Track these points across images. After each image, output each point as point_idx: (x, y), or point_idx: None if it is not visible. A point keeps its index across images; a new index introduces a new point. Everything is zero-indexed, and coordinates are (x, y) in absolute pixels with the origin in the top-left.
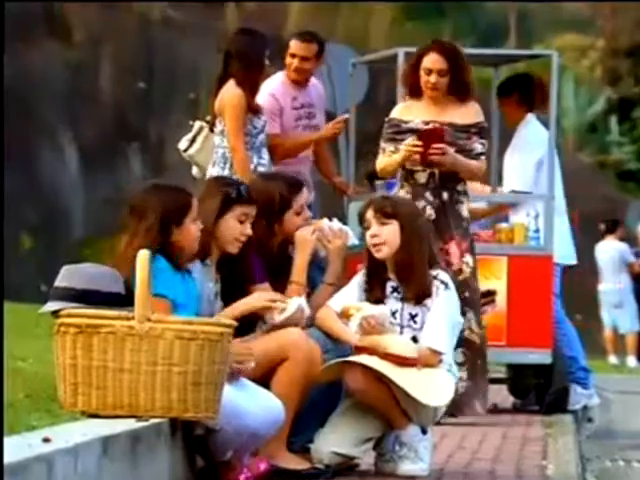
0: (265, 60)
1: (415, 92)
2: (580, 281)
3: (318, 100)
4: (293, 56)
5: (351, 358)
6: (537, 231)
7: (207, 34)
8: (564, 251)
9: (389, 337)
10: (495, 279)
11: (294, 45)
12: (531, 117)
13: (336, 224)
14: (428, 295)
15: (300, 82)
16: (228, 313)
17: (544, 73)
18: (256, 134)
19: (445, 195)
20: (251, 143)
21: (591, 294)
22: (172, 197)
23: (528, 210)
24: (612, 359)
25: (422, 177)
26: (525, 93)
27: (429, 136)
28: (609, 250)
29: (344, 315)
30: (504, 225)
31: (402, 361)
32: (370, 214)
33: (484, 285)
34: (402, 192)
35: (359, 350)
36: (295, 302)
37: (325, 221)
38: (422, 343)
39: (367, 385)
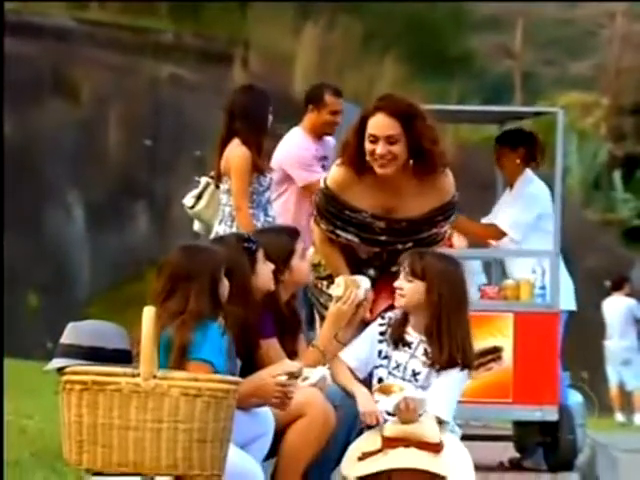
0: (268, 117)
1: (359, 166)
2: (585, 337)
3: (332, 152)
4: (335, 113)
5: (394, 464)
6: (543, 288)
7: (213, 92)
8: (562, 296)
9: (420, 425)
10: (501, 336)
11: (334, 101)
12: (530, 172)
13: (365, 285)
14: (454, 365)
15: (320, 136)
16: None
17: (549, 130)
18: (262, 192)
19: (395, 268)
20: (257, 201)
21: (596, 350)
22: (219, 257)
23: (534, 267)
24: (618, 417)
25: (363, 253)
26: (529, 149)
27: None
28: (617, 306)
29: (383, 391)
30: (510, 282)
31: (436, 448)
32: (403, 266)
33: (490, 342)
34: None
35: (389, 441)
36: (319, 372)
37: (364, 282)
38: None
39: None
